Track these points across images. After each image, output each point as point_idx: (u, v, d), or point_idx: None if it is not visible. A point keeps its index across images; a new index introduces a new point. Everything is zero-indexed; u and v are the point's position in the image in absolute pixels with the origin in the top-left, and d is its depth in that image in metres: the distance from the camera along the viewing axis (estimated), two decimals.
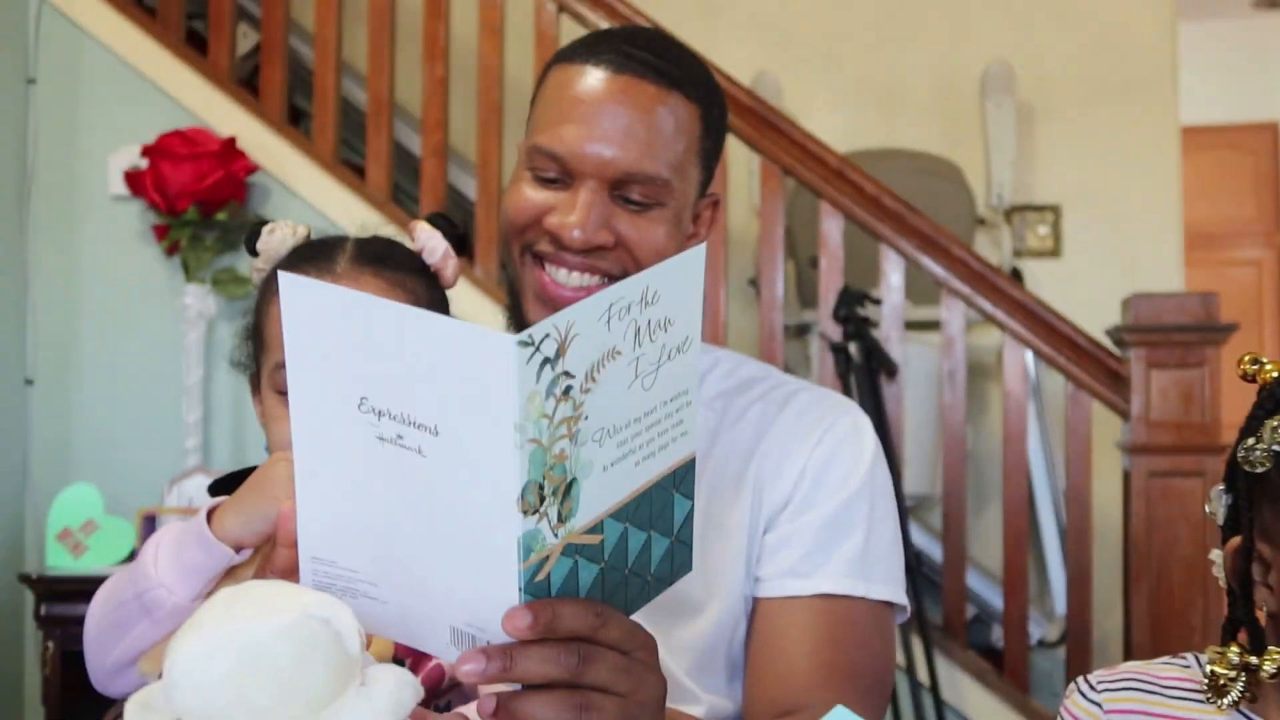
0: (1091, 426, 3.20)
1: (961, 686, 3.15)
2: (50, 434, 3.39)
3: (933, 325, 3.59)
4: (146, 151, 3.24)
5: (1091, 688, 1.14)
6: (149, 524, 2.87)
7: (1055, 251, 4.32)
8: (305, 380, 0.88)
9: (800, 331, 3.93)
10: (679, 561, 0.97)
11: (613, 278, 1.27)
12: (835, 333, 3.23)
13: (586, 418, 0.83)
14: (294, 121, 3.65)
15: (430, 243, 1.25)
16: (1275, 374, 1.07)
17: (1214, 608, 2.97)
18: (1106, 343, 3.13)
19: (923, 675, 3.09)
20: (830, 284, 3.27)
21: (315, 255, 1.23)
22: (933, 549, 3.58)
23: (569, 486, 0.83)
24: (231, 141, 3.26)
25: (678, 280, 0.88)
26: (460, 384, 0.81)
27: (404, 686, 0.87)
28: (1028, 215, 4.32)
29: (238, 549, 1.11)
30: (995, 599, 3.58)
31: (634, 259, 1.27)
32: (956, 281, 3.19)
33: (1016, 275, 4.13)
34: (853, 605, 1.31)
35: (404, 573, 0.90)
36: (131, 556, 2.78)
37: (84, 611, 1.20)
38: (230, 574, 1.11)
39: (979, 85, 4.29)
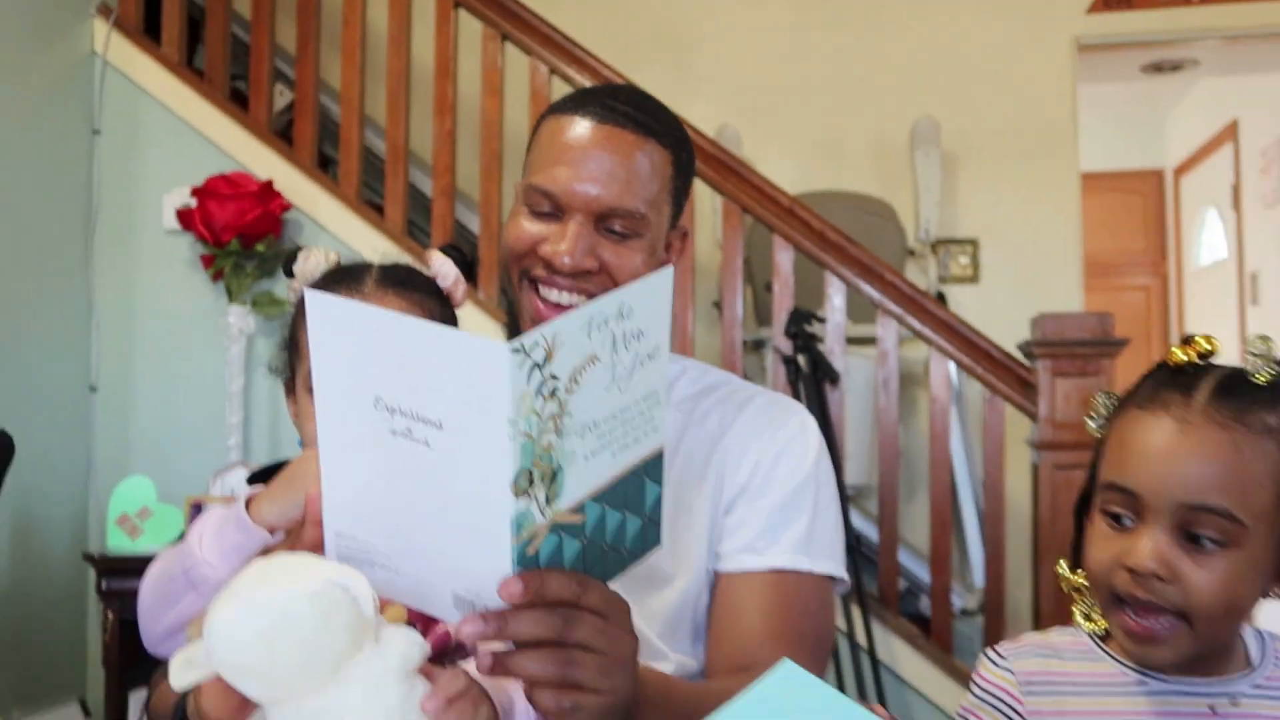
0: (1005, 427, 3.22)
1: (894, 648, 3.15)
2: (111, 433, 3.38)
3: (870, 340, 3.60)
4: (195, 192, 3.24)
5: (1001, 656, 1.13)
6: (195, 510, 2.86)
7: (974, 278, 4.33)
8: (328, 383, 0.88)
9: (757, 346, 3.93)
10: (650, 538, 0.97)
11: (593, 298, 1.27)
12: (786, 346, 3.23)
13: (570, 414, 0.83)
14: (323, 167, 3.65)
15: (443, 269, 1.26)
16: (1181, 357, 1.06)
17: None
18: (1018, 355, 3.14)
19: (861, 639, 3.09)
20: (782, 305, 3.28)
21: (345, 278, 1.23)
22: (870, 531, 3.59)
23: (555, 473, 0.84)
24: (269, 184, 3.25)
25: (648, 297, 0.88)
26: (462, 385, 0.81)
27: (413, 645, 0.87)
28: (950, 247, 4.33)
29: (271, 532, 1.10)
30: (923, 574, 3.59)
31: (615, 282, 1.27)
32: (890, 303, 3.20)
33: (941, 298, 4.14)
34: (799, 578, 1.32)
35: (413, 546, 0.90)
36: (180, 539, 2.78)
37: (139, 586, 1.19)
38: (265, 554, 1.10)
39: (909, 137, 4.31)
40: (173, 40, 3.47)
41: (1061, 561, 1.16)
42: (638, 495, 0.93)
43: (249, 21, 3.56)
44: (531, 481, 0.82)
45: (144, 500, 2.97)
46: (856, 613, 3.09)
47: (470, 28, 3.50)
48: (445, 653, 1.09)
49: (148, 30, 3.51)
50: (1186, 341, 1.07)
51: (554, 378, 0.81)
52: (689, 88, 4.27)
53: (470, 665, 1.00)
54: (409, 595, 0.94)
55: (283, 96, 3.88)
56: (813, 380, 3.17)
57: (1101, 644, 1.10)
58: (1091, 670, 1.09)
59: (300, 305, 1.25)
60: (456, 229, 3.62)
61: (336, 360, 0.87)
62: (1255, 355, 1.04)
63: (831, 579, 1.35)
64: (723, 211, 3.36)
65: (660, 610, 1.31)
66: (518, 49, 3.35)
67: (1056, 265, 4.29)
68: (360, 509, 0.91)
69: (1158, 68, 5.44)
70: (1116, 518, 1.03)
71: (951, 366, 3.25)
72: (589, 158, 1.26)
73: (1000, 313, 4.01)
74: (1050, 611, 2.97)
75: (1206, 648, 1.02)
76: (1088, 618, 1.10)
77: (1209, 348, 1.06)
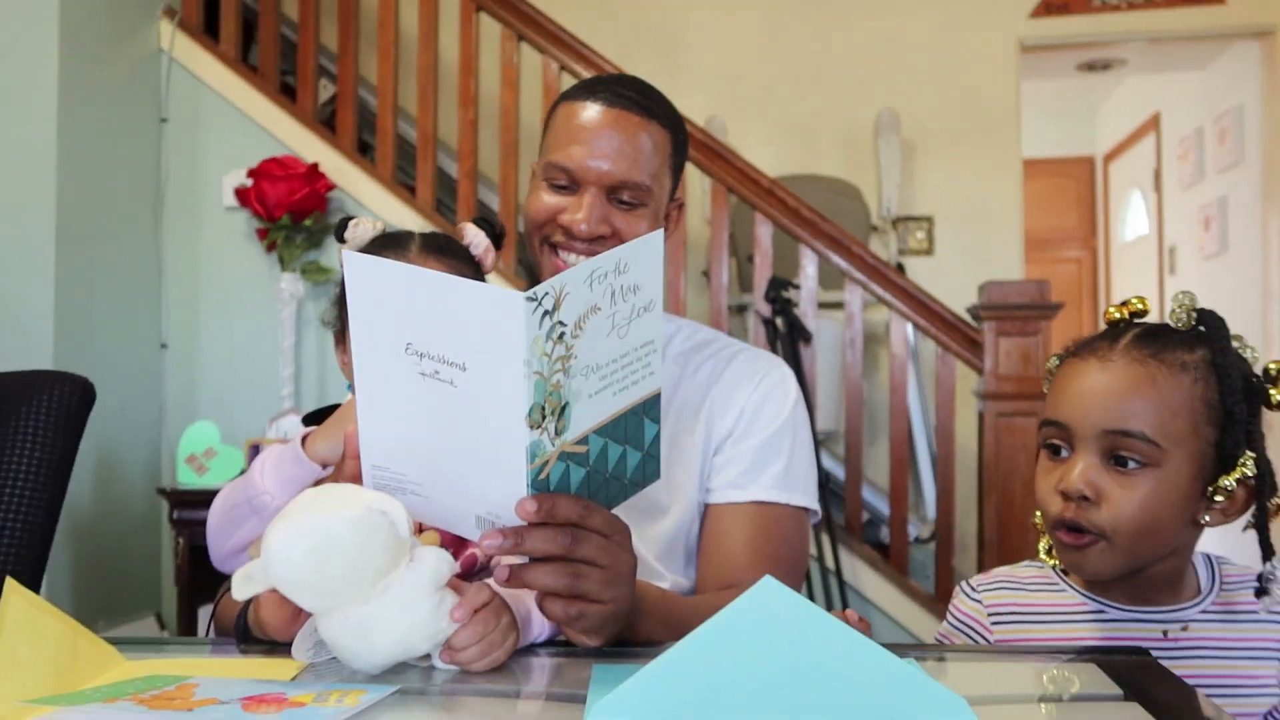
0: (955, 380, 3.21)
1: (858, 571, 3.17)
2: (179, 384, 3.38)
3: (838, 305, 3.60)
4: (251, 173, 3.22)
5: (973, 589, 1.13)
6: (254, 451, 2.86)
7: (929, 251, 4.32)
8: (364, 332, 0.88)
9: (740, 310, 3.93)
10: (650, 471, 0.97)
11: None
12: (766, 310, 3.23)
13: (576, 357, 0.83)
14: (362, 152, 3.62)
15: (475, 238, 1.25)
16: (1115, 315, 1.06)
17: None
18: (967, 318, 3.14)
19: (830, 563, 3.11)
20: (762, 274, 3.26)
21: (391, 243, 1.22)
22: (837, 470, 3.59)
23: (563, 408, 0.84)
24: (315, 166, 3.23)
25: (642, 255, 0.88)
26: (483, 331, 0.81)
27: (442, 563, 0.87)
28: (909, 224, 4.31)
29: (324, 466, 1.10)
30: (883, 507, 3.60)
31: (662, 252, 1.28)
32: (856, 272, 3.19)
33: (900, 268, 4.13)
34: (778, 510, 1.32)
35: (441, 474, 0.90)
36: (241, 474, 2.79)
37: (206, 516, 1.19)
38: (315, 486, 1.10)
39: (873, 126, 4.28)
40: (230, 39, 3.44)
41: (1038, 512, 1.15)
42: (637, 431, 0.93)
43: (297, 23, 3.52)
44: (544, 415, 0.82)
45: (209, 442, 2.97)
46: (826, 541, 3.10)
47: (490, 29, 3.47)
48: (473, 571, 1.09)
49: (208, 30, 3.48)
50: (1120, 304, 1.07)
51: (562, 324, 0.81)
52: (680, 83, 4.22)
53: (494, 581, 1.00)
54: (437, 518, 0.94)
55: (326, 90, 3.85)
56: (788, 339, 3.17)
57: (1064, 577, 1.10)
58: (1054, 601, 1.08)
59: None
60: (479, 207, 3.60)
61: (371, 312, 0.86)
62: (1179, 307, 1.04)
63: (806, 510, 1.35)
64: (710, 192, 3.34)
65: (658, 537, 1.31)
66: (532, 48, 3.32)
67: (1001, 239, 4.27)
68: (394, 443, 0.91)
69: (1090, 66, 5.39)
70: (1055, 451, 1.03)
71: (909, 328, 3.24)
72: (600, 137, 1.25)
73: (952, 281, 3.99)
74: (993, 540, 2.98)
75: (1134, 563, 1.02)
76: (1049, 552, 1.09)
77: (1141, 307, 1.06)
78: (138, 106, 3.31)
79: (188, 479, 2.95)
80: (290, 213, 3.17)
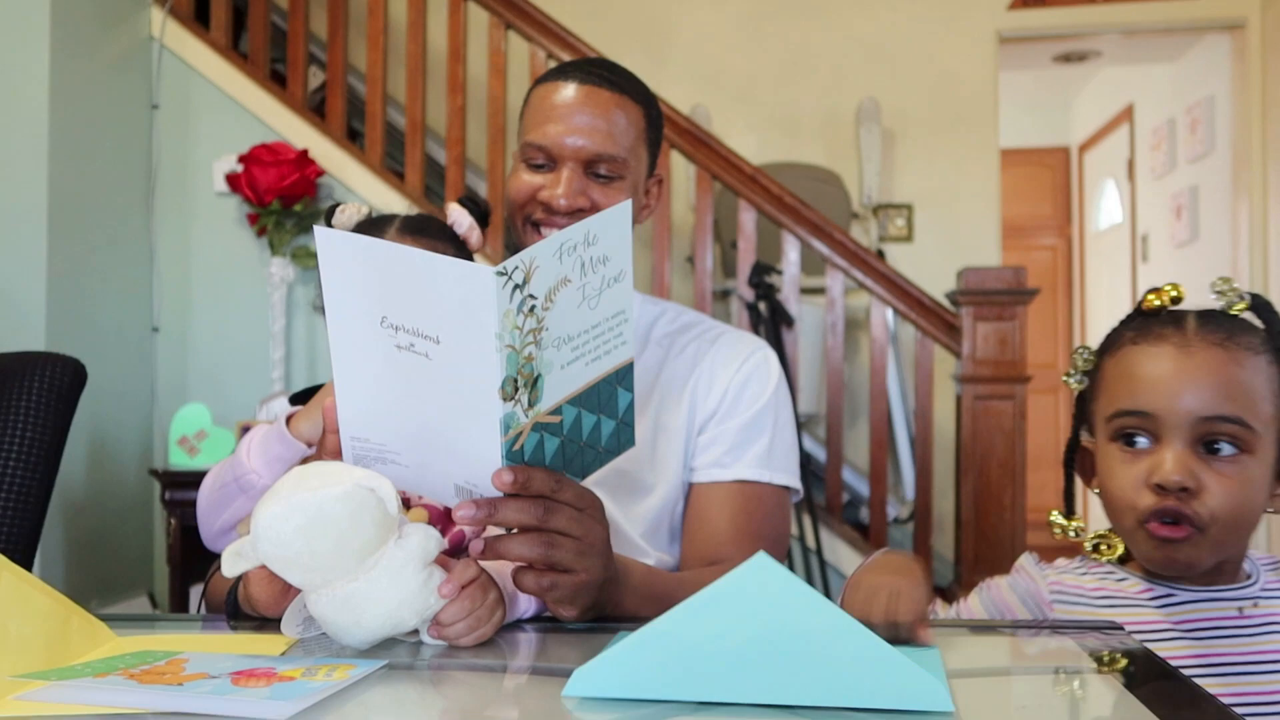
0: (934, 364, 3.22)
1: (838, 550, 3.17)
2: (171, 367, 3.36)
3: (820, 290, 3.60)
4: (242, 159, 3.19)
5: (1037, 564, 1.09)
6: (245, 433, 2.83)
7: (909, 237, 4.32)
8: (338, 307, 0.87)
9: (724, 294, 3.92)
10: (624, 438, 0.97)
11: None
12: (749, 295, 3.22)
13: (547, 329, 0.83)
14: (351, 138, 3.60)
15: (458, 217, 1.25)
16: (1155, 301, 1.02)
17: (1019, 494, 3.00)
18: (945, 303, 3.14)
19: (811, 542, 3.11)
20: (746, 260, 3.26)
21: (372, 226, 1.22)
22: (818, 452, 3.60)
23: (535, 380, 0.83)
24: (305, 152, 3.21)
25: (611, 227, 0.87)
26: (455, 305, 0.80)
27: (430, 539, 0.86)
28: (889, 211, 4.31)
29: (309, 445, 1.09)
30: (863, 488, 3.61)
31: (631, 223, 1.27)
32: (837, 258, 3.19)
33: (881, 254, 4.13)
34: (761, 488, 1.32)
35: (418, 445, 0.90)
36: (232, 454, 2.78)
37: (197, 495, 1.18)
38: (304, 464, 1.09)
39: (855, 116, 4.28)
40: (220, 26, 3.40)
41: (1054, 512, 1.11)
42: (610, 400, 0.93)
43: (287, 10, 3.49)
44: (516, 388, 0.82)
45: (200, 424, 2.95)
46: (808, 521, 3.11)
47: (478, 18, 3.45)
48: (460, 548, 1.08)
49: (198, 17, 3.44)
50: (1154, 291, 1.03)
51: (532, 297, 0.81)
52: (666, 72, 4.21)
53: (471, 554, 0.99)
54: (417, 487, 0.94)
55: (316, 77, 3.82)
56: (771, 324, 3.17)
57: (1120, 565, 1.06)
58: (1117, 588, 1.04)
59: None
60: (467, 193, 3.58)
61: (344, 286, 0.86)
62: (1222, 293, 1.01)
63: (787, 489, 1.35)
64: (695, 179, 3.33)
65: (643, 515, 1.31)
66: (520, 36, 3.30)
67: (978, 227, 4.27)
68: (371, 415, 0.91)
69: (1066, 58, 5.40)
70: (1129, 441, 0.99)
71: (889, 312, 3.24)
72: (575, 114, 1.26)
73: (931, 267, 4.00)
74: (969, 519, 3.00)
75: (1222, 554, 0.99)
76: (1096, 549, 1.05)
77: (1177, 293, 1.02)
78: (129, 93, 3.28)
79: (179, 460, 2.93)
80: (280, 198, 3.14)
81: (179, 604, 2.80)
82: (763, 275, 3.17)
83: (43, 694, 0.74)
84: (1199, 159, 4.83)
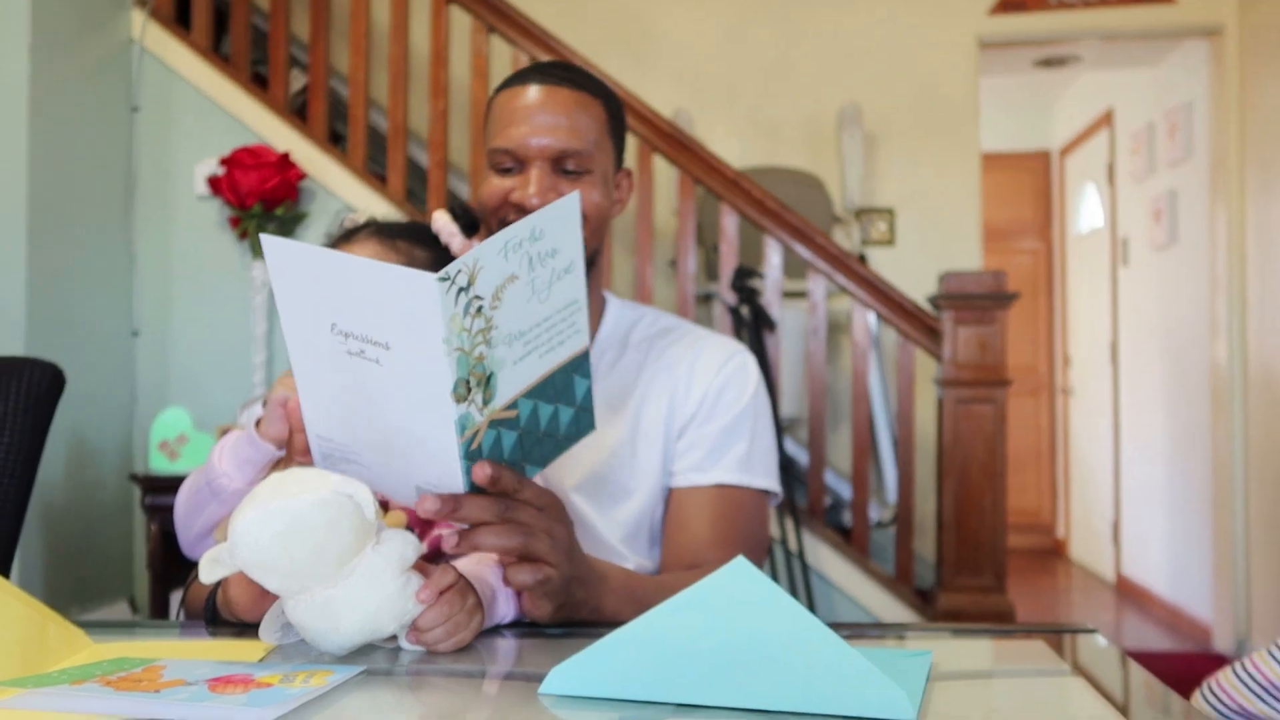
0: (915, 367, 3.23)
1: (821, 554, 3.18)
2: (151, 371, 3.34)
3: (802, 294, 3.61)
4: (223, 162, 3.18)
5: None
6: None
7: (891, 241, 4.34)
8: (290, 313, 0.87)
9: (706, 298, 3.93)
10: (584, 424, 0.98)
11: None
12: (732, 299, 3.23)
13: (496, 327, 0.83)
14: (333, 141, 3.59)
15: (439, 224, 1.25)
16: None
17: (1000, 497, 3.02)
18: (926, 307, 3.16)
19: (793, 546, 3.12)
20: (728, 263, 3.27)
21: (348, 233, 1.22)
22: (801, 455, 3.61)
23: (488, 379, 0.84)
24: (287, 156, 3.20)
25: (558, 220, 0.88)
26: (401, 312, 0.80)
27: (408, 545, 0.86)
28: (871, 215, 4.33)
29: (277, 446, 1.09)
30: (845, 491, 3.62)
31: (580, 213, 1.28)
32: (819, 263, 3.20)
33: (863, 259, 4.15)
34: (740, 492, 1.32)
35: (379, 447, 0.90)
36: None
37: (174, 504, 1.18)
38: (277, 465, 1.09)
39: (836, 120, 4.29)
40: (201, 29, 3.39)
41: (1270, 652, 1.06)
42: (568, 389, 0.93)
43: (268, 13, 3.48)
44: (469, 389, 0.82)
45: (181, 428, 2.94)
46: (790, 524, 3.12)
47: (461, 21, 3.45)
48: (439, 553, 1.08)
49: (179, 20, 3.43)
50: None
51: (478, 298, 0.81)
52: (649, 77, 4.22)
53: (460, 563, 0.99)
54: (381, 487, 0.94)
55: (298, 79, 3.81)
56: (753, 328, 3.17)
57: None
58: None
59: None
60: (449, 196, 3.58)
61: (295, 294, 0.86)
62: None
63: (767, 492, 1.35)
64: (678, 183, 3.33)
65: (623, 519, 1.31)
66: (502, 40, 3.30)
67: (960, 231, 4.29)
68: (332, 417, 0.91)
69: (1047, 63, 5.43)
70: None
71: (871, 316, 3.26)
72: (536, 115, 1.27)
73: (912, 271, 4.02)
74: (951, 523, 3.01)
75: None
76: None
77: None
78: (109, 95, 3.26)
79: (160, 465, 2.91)
80: (262, 201, 3.14)
81: (159, 610, 2.78)
82: (745, 279, 3.18)
83: (18, 701, 0.74)
84: (1178, 163, 4.86)
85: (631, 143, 3.22)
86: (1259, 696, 1.03)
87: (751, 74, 4.37)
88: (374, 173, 3.47)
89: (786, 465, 3.42)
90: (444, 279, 0.78)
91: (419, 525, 1.05)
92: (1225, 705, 1.05)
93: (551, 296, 0.88)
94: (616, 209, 1.37)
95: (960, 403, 3.03)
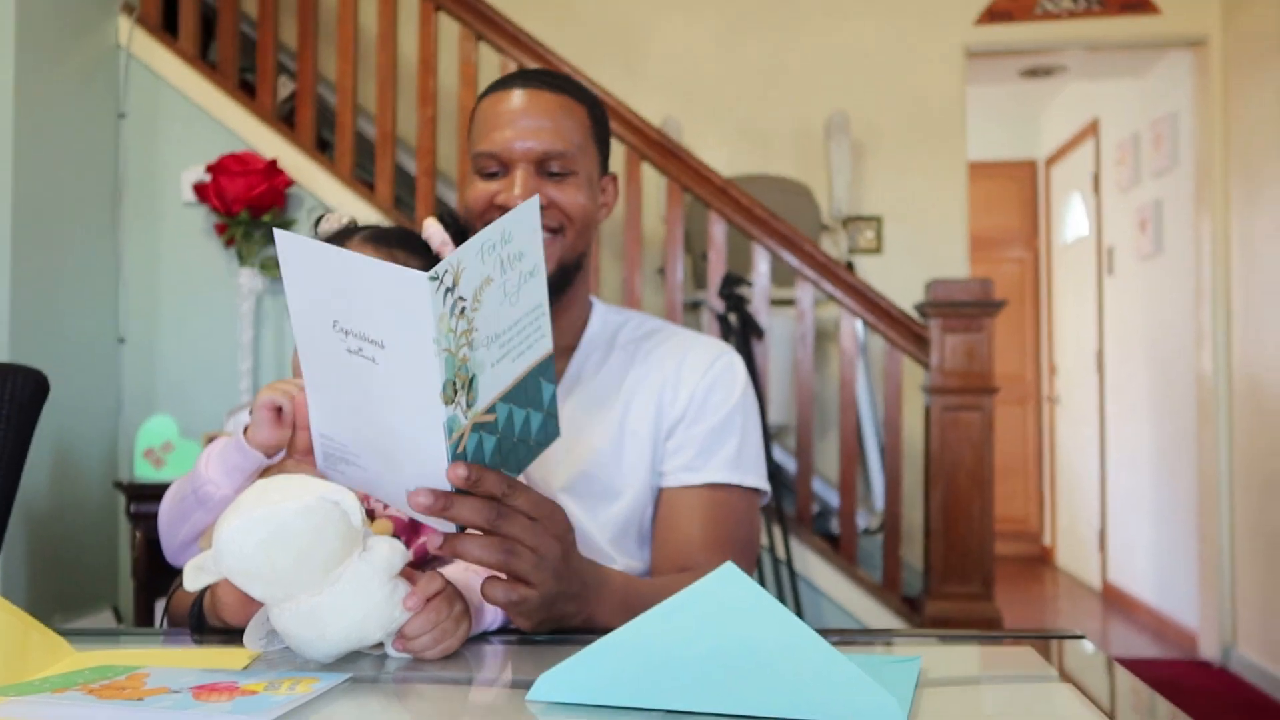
0: (902, 375, 3.24)
1: (809, 561, 3.18)
2: (137, 378, 3.32)
3: (790, 302, 3.61)
4: (210, 169, 3.17)
5: None
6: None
7: (878, 249, 4.35)
8: (299, 306, 0.87)
9: (695, 306, 3.93)
10: (550, 429, 0.97)
11: (551, 231, 1.29)
12: (720, 306, 3.23)
13: (477, 329, 0.84)
14: (321, 148, 3.58)
15: (430, 231, 1.25)
16: None
17: (988, 504, 3.02)
18: (914, 315, 3.16)
19: (781, 553, 3.12)
20: (716, 271, 3.27)
21: (340, 235, 1.22)
22: (789, 463, 3.61)
23: (471, 381, 0.84)
24: (274, 162, 3.19)
25: (522, 224, 0.88)
26: (395, 310, 0.81)
27: (395, 552, 0.86)
28: (858, 223, 4.34)
29: (265, 453, 1.08)
30: (833, 499, 3.62)
31: (565, 214, 1.30)
32: (807, 270, 3.20)
33: (850, 266, 4.16)
34: (730, 491, 1.32)
35: (375, 447, 0.90)
36: None
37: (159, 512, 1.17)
38: (265, 473, 1.08)
39: (824, 128, 4.30)
40: (189, 35, 3.38)
41: None
42: (536, 393, 0.94)
43: (256, 20, 3.47)
44: (455, 390, 0.83)
45: (167, 436, 2.93)
46: (778, 532, 3.11)
47: (449, 29, 3.45)
48: (425, 560, 1.08)
49: (166, 26, 3.42)
50: None
51: (462, 299, 0.82)
52: (638, 85, 4.23)
53: (447, 570, 0.99)
54: (374, 488, 0.94)
55: (285, 87, 3.80)
56: (741, 335, 3.18)
57: None
58: None
59: None
60: (437, 204, 3.57)
61: (302, 289, 0.86)
62: None
63: (756, 491, 1.36)
64: (666, 191, 3.34)
65: (611, 521, 1.31)
66: (491, 48, 3.30)
67: (947, 239, 4.31)
68: (334, 415, 0.91)
69: (1033, 73, 5.46)
70: None
71: (859, 324, 3.26)
72: (520, 118, 1.28)
73: (899, 279, 4.03)
74: (938, 530, 3.01)
75: None
76: None
77: None
78: (96, 102, 3.25)
79: (145, 473, 2.90)
80: (249, 208, 3.12)
81: (144, 618, 2.76)
82: (733, 287, 3.18)
83: (0, 710, 0.73)
84: (1163, 173, 4.89)
85: (619, 150, 3.22)
86: None
87: (740, 83, 4.38)
88: (362, 180, 3.46)
89: (774, 473, 3.42)
90: (434, 278, 0.79)
91: (406, 533, 1.05)
92: None
93: (520, 299, 0.89)
94: (603, 213, 1.37)
95: (947, 410, 3.04)
